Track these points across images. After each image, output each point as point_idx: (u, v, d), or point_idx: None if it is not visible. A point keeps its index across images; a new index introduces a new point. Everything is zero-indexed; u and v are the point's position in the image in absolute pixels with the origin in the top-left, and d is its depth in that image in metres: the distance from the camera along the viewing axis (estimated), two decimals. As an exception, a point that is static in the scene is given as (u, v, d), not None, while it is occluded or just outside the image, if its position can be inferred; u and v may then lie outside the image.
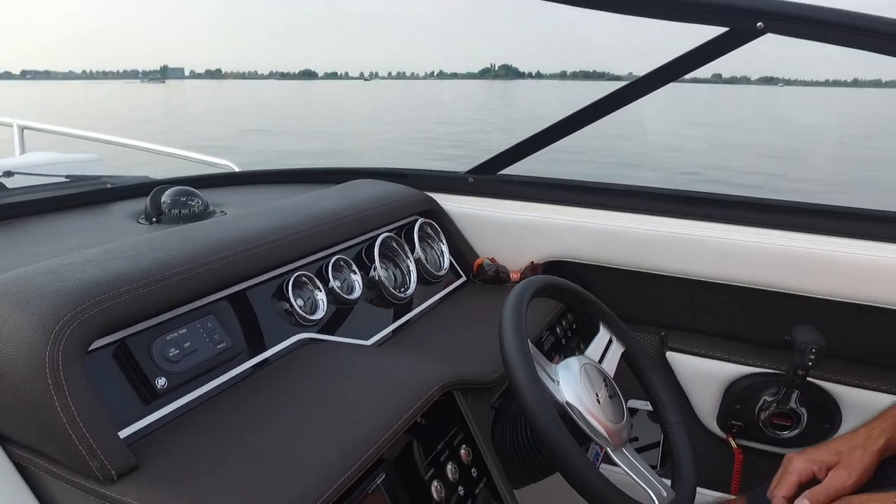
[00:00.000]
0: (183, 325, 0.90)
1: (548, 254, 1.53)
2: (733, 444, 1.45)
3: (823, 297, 1.33)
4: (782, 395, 1.37)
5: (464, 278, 1.50)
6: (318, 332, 1.09)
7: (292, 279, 1.08)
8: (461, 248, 1.53)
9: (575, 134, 1.51)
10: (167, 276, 0.87)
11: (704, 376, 1.46)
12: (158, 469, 0.72)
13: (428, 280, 1.39)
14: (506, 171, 1.64)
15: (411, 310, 1.30)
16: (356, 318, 1.18)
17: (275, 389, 0.90)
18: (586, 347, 1.08)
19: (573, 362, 0.96)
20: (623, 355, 1.10)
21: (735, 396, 1.43)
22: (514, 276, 1.49)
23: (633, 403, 1.54)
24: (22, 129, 3.00)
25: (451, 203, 1.58)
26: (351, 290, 1.19)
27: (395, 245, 1.33)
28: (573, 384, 0.92)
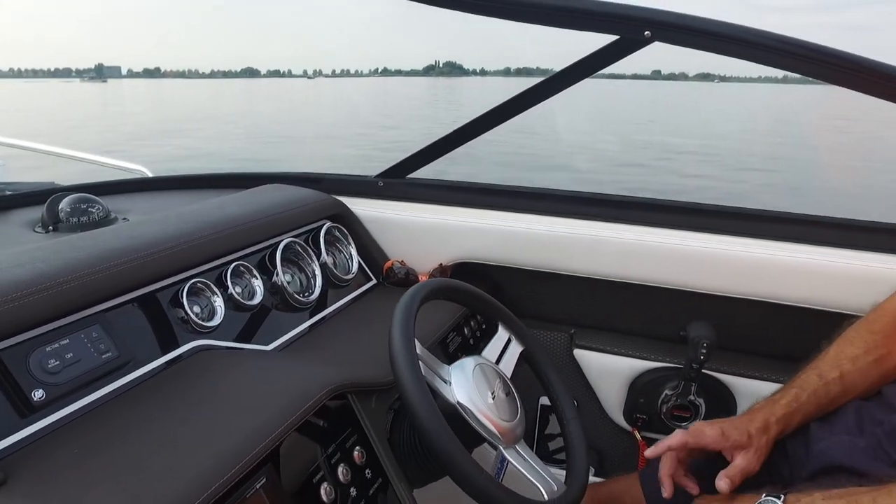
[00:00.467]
0: (65, 335, 0.87)
1: (456, 255, 1.56)
2: (638, 436, 1.51)
3: (717, 294, 1.40)
4: (682, 388, 1.43)
5: (374, 281, 1.51)
6: (215, 338, 1.08)
7: (187, 286, 1.06)
8: (371, 252, 1.54)
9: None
10: (47, 286, 0.84)
11: (610, 372, 1.51)
12: (26, 484, 0.70)
13: (336, 284, 1.39)
14: (416, 175, 1.66)
15: (317, 314, 1.30)
16: (257, 324, 1.17)
17: (161, 398, 0.89)
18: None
19: (468, 362, 0.98)
20: (522, 354, 1.12)
21: (639, 391, 1.49)
22: (423, 279, 1.51)
23: (545, 400, 1.58)
24: None
25: (362, 207, 1.59)
26: (252, 295, 1.18)
27: (299, 249, 1.32)
28: (465, 384, 0.94)
